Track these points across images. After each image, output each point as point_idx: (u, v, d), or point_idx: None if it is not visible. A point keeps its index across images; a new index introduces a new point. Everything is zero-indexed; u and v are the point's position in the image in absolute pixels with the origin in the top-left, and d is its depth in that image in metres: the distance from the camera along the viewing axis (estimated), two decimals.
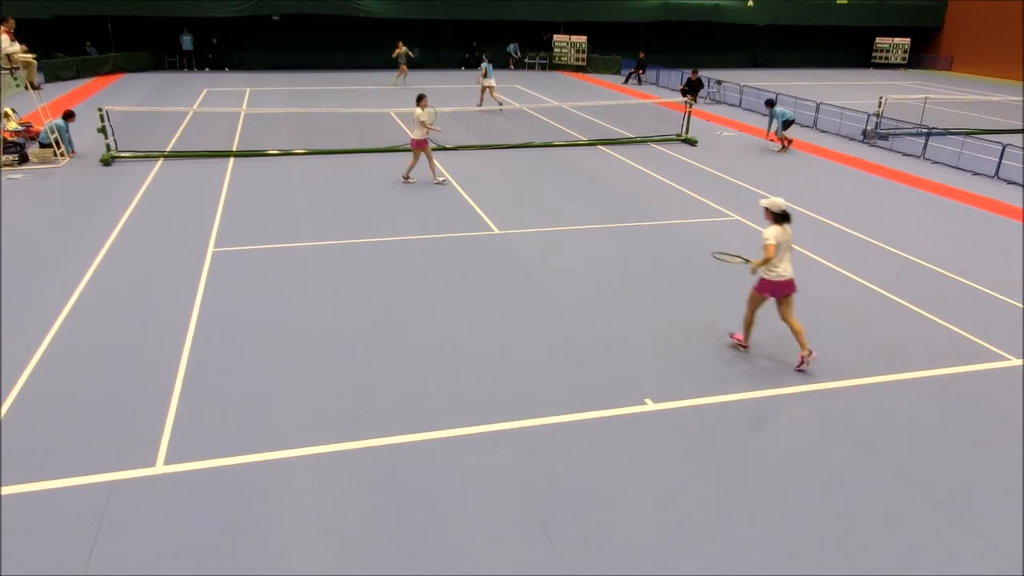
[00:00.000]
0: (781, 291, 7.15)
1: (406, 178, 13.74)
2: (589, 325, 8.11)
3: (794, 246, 7.46)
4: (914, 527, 5.17)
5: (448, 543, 4.90)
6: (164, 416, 6.21)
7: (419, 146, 13.37)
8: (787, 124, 17.57)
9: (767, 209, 7.24)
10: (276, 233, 10.83)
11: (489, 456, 5.81)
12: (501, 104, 21.82)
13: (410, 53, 27.97)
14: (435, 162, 13.99)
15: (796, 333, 7.24)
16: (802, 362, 7.23)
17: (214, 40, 31.59)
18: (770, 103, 18.11)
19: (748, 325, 7.53)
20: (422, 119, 13.02)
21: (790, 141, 17.74)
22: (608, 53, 34.97)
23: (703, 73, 26.98)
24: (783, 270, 7.12)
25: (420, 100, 13.18)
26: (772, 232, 7.07)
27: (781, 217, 7.14)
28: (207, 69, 31.75)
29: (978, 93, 29.73)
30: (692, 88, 24.66)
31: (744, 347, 7.66)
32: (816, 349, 7.66)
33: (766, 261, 7.05)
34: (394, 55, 27.93)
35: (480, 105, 21.89)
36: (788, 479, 5.64)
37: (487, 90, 21.94)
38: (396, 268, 9.60)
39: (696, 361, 7.40)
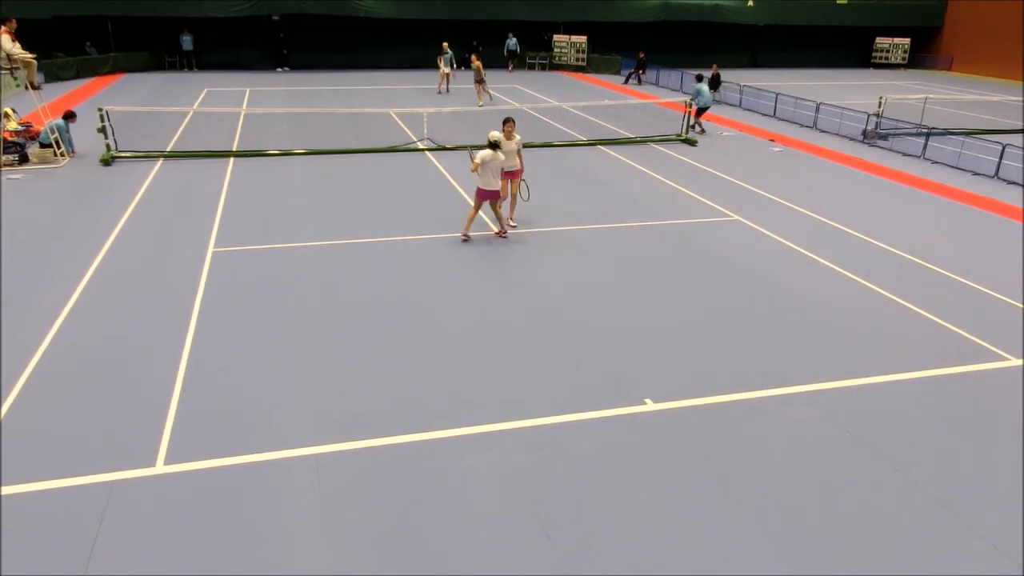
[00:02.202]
0: (490, 197, 10.35)
1: (503, 231, 10.85)
2: (589, 325, 8.11)
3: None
4: (914, 527, 5.17)
5: (448, 543, 4.90)
6: (164, 416, 6.21)
7: (509, 177, 11.01)
8: (702, 110, 18.97)
9: (488, 139, 10.29)
10: (276, 233, 10.83)
11: (489, 456, 5.81)
12: (443, 92, 26.18)
13: (482, 69, 23.55)
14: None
15: (499, 217, 10.65)
16: (502, 232, 10.73)
17: (281, 35, 31.82)
18: (699, 78, 19.75)
19: (470, 220, 10.65)
20: (510, 149, 10.75)
21: (701, 125, 19.26)
22: (608, 53, 34.96)
23: (705, 72, 26.95)
24: (490, 183, 10.21)
25: (505, 124, 10.86)
26: (481, 155, 10.08)
27: (493, 146, 10.20)
28: (285, 68, 32.18)
29: (978, 93, 29.74)
30: (714, 83, 24.90)
31: (466, 238, 10.56)
32: (817, 349, 7.68)
33: (475, 169, 10.10)
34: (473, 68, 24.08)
35: (446, 92, 26.30)
36: (788, 479, 5.64)
37: (445, 77, 26.26)
38: (396, 268, 9.60)
39: (696, 361, 7.41)
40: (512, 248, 10.41)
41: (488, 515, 5.17)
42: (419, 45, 33.50)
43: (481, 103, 22.98)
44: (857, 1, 37.98)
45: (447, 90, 26.22)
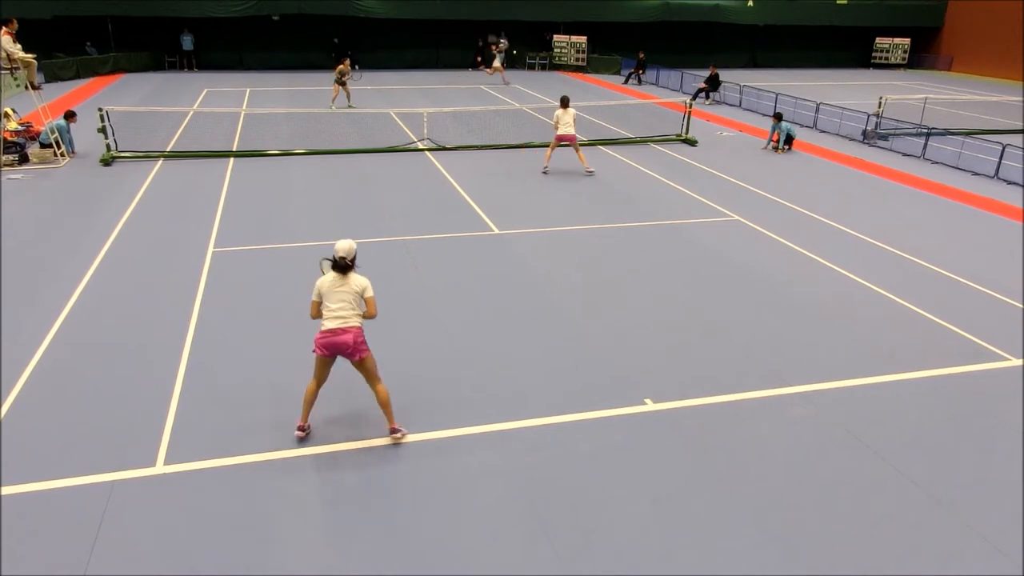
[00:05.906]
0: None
1: None
2: (589, 325, 8.11)
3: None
4: (914, 527, 5.17)
5: (449, 543, 4.91)
6: (164, 416, 6.21)
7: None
8: (788, 139, 17.71)
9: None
10: (276, 233, 10.83)
11: (489, 456, 5.81)
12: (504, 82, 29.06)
13: (347, 76, 21.85)
14: None
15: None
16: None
17: (335, 39, 31.66)
18: (778, 117, 17.83)
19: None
20: None
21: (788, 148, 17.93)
22: (608, 53, 34.96)
23: (703, 74, 26.99)
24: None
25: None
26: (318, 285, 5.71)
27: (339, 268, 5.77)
28: (357, 68, 31.82)
29: (978, 93, 29.73)
30: (713, 83, 24.83)
31: None
32: (817, 349, 7.68)
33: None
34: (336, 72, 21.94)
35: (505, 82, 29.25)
36: (788, 479, 5.64)
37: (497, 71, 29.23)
38: (396, 268, 9.60)
39: (696, 361, 7.41)
40: (512, 248, 10.41)
41: (488, 515, 5.17)
42: (419, 45, 33.50)
43: (333, 106, 21.47)
44: (857, 1, 37.97)
45: (507, 81, 29.51)
